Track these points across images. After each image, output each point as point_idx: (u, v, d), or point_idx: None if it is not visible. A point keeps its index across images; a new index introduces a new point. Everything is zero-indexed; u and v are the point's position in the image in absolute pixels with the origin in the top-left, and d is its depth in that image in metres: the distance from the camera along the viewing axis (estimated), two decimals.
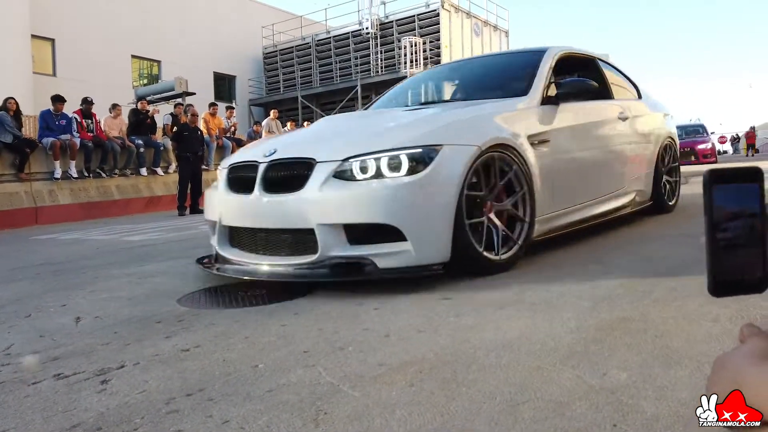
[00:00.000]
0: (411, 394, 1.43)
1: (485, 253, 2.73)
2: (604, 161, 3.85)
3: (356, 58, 23.44)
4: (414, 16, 22.68)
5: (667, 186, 4.80)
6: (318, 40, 24.55)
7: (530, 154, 3.03)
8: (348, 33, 23.86)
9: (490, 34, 25.82)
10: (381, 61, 22.98)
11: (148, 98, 14.46)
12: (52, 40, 18.71)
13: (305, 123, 17.02)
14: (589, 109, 3.81)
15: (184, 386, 1.60)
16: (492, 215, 2.82)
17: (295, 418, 1.34)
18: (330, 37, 24.32)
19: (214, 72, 23.58)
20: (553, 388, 1.41)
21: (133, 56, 21.18)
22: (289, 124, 14.61)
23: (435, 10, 22.27)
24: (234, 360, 1.79)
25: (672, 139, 4.94)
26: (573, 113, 3.53)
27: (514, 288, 2.50)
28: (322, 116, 25.01)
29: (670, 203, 4.85)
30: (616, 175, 3.99)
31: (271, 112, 14.46)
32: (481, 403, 1.36)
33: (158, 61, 21.97)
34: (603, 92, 4.13)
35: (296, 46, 25.01)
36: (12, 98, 8.93)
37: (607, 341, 1.72)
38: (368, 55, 23.17)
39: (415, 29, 22.55)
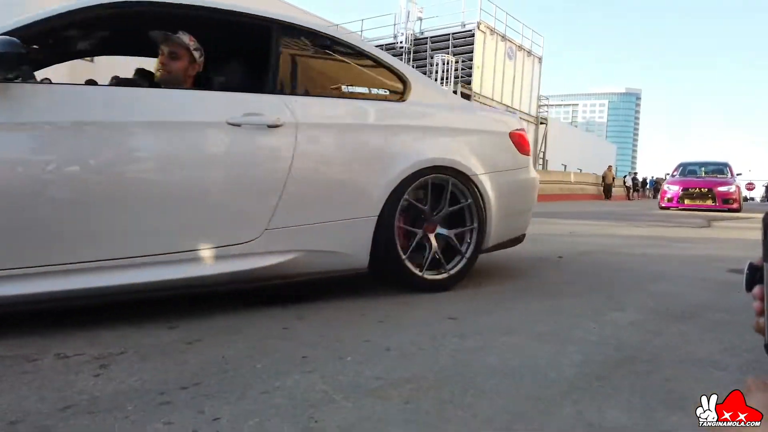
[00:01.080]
0: (406, 411, 1.41)
1: None
2: (119, 194, 2.09)
3: None
4: (449, 34, 22.83)
5: (428, 248, 2.80)
6: None
7: None
8: (382, 45, 24.04)
9: (523, 59, 25.87)
10: None
11: None
12: None
13: None
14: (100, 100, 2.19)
15: (181, 378, 1.59)
16: None
17: (285, 423, 1.33)
18: None
19: None
20: (551, 421, 1.38)
21: None
22: None
23: (470, 31, 22.40)
24: (233, 357, 1.78)
25: (459, 174, 2.86)
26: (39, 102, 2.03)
27: (522, 315, 2.46)
28: None
29: (428, 276, 2.77)
30: (177, 221, 2.19)
31: None
32: (476, 429, 1.33)
33: None
34: (260, 81, 2.55)
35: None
36: (47, 79, 9.11)
37: (612, 379, 1.68)
38: None
39: (449, 47, 22.66)
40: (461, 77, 21.96)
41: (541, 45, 26.28)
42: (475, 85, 22.26)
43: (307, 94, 2.70)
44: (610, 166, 28.02)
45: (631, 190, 31.52)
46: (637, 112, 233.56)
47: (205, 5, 2.52)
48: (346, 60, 2.87)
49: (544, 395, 1.54)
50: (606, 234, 5.99)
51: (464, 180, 2.90)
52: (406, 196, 2.70)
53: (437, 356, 1.85)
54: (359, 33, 25.22)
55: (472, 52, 22.09)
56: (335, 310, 2.44)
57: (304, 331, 2.11)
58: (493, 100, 23.57)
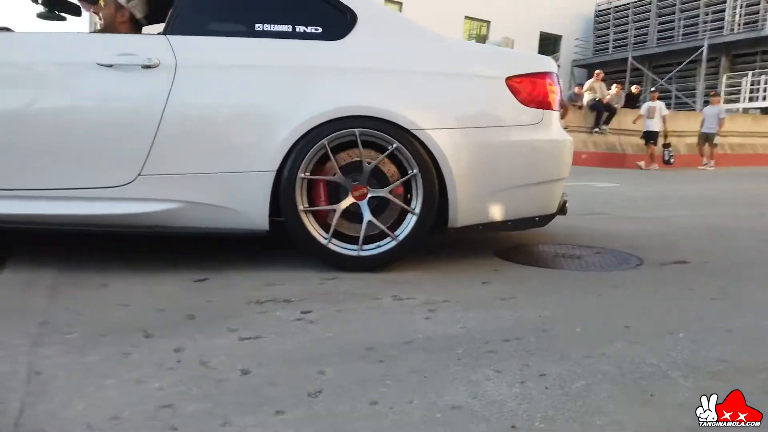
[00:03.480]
0: (762, 400, 1.22)
1: None
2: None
3: (706, 14, 20.38)
4: None
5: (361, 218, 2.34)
6: None
7: None
8: None
9: None
10: (740, 16, 19.51)
11: None
12: (400, 4, 20.94)
13: (633, 87, 15.70)
14: None
15: (500, 332, 1.66)
16: None
17: (616, 390, 1.27)
18: None
19: (540, 32, 23.31)
20: None
21: (466, 17, 22.32)
22: (614, 86, 13.63)
23: None
24: (549, 318, 1.79)
25: (396, 130, 2.29)
26: None
27: None
28: (654, 80, 22.27)
29: (334, 247, 2.32)
30: (48, 160, 2.27)
31: (595, 73, 13.69)
32: None
33: (488, 22, 22.71)
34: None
35: (633, 2, 22.94)
36: None
37: None
38: (722, 11, 19.90)
39: None
40: None
41: None
42: None
43: (205, 34, 2.41)
44: None
45: None
46: None
47: None
48: None
49: None
50: None
51: (403, 138, 2.29)
52: (315, 150, 2.26)
53: None
54: None
55: None
56: (658, 282, 2.25)
57: (623, 301, 1.99)
58: None
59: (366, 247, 2.33)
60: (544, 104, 2.48)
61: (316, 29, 2.41)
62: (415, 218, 2.32)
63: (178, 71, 2.28)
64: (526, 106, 2.45)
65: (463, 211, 2.38)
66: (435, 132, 2.32)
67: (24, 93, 2.29)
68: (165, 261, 2.46)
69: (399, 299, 1.98)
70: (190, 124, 2.30)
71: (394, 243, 2.33)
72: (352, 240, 2.34)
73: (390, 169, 2.35)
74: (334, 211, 2.32)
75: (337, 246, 2.32)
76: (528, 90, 2.46)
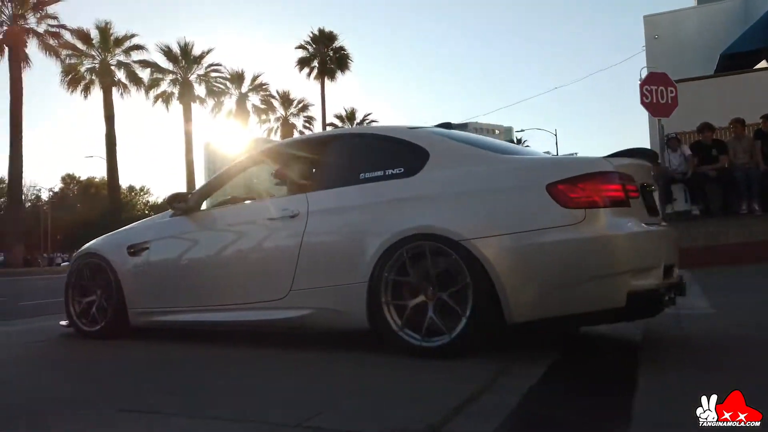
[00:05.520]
0: None
1: None
2: (218, 267, 3.75)
3: None
4: None
5: (429, 313, 2.86)
6: None
7: (123, 261, 4.04)
8: None
9: None
10: None
11: None
12: None
13: None
14: (224, 215, 3.98)
15: None
16: None
17: None
18: None
19: None
20: None
21: None
22: None
23: None
24: None
25: (446, 241, 2.84)
26: (204, 219, 3.97)
27: None
28: None
29: (406, 336, 2.90)
30: (242, 283, 3.60)
31: None
32: None
33: None
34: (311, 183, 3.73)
35: None
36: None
37: None
38: None
39: None
40: None
41: None
42: None
43: (328, 187, 3.44)
44: None
45: None
46: None
47: (306, 139, 4.31)
48: (368, 148, 3.56)
49: None
50: None
51: (455, 248, 2.81)
52: (391, 263, 2.95)
53: None
54: None
55: None
56: None
57: None
58: None
59: (431, 338, 2.83)
60: (588, 204, 2.70)
61: (400, 170, 3.22)
62: (464, 319, 2.75)
63: (309, 216, 3.36)
64: (566, 207, 2.70)
65: (515, 308, 2.70)
66: (478, 240, 2.77)
67: (231, 241, 3.77)
68: None
69: None
70: (317, 252, 3.31)
71: (447, 339, 2.78)
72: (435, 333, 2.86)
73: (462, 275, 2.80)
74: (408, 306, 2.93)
75: (406, 335, 2.89)
76: (569, 193, 2.72)
